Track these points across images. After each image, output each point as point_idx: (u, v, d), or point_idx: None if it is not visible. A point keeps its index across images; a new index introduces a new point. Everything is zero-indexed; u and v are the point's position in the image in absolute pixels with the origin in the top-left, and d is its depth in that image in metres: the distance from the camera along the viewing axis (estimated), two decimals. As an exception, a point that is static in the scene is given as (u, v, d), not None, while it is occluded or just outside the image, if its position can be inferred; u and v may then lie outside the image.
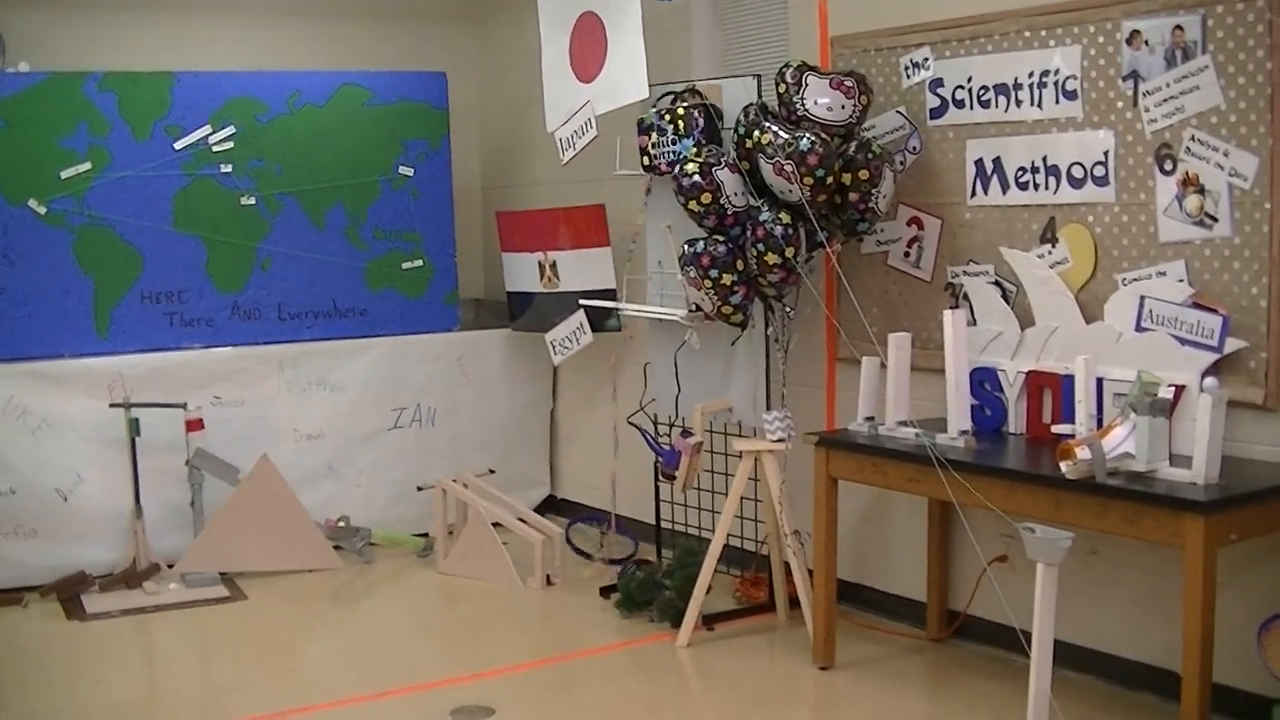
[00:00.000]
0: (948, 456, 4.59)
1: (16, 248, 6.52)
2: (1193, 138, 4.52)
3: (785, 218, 5.26)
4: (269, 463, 6.68)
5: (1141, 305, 4.66)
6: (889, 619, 5.83)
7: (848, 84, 5.28)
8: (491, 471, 7.30)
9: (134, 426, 6.50)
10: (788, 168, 5.10)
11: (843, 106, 5.25)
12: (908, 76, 5.50)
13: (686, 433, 5.92)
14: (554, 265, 7.14)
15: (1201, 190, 4.51)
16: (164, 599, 6.33)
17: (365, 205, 7.29)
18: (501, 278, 7.69)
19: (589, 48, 6.05)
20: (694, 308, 5.72)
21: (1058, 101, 4.95)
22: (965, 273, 5.35)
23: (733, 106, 5.61)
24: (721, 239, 5.47)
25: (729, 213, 5.41)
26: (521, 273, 7.42)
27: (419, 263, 7.46)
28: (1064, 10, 4.88)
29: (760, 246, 5.30)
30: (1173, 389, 4.43)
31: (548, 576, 6.54)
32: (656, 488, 6.37)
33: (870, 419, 5.18)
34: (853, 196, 5.29)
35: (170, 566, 6.58)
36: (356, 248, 7.29)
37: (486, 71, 8.49)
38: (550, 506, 7.84)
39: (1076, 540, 3.90)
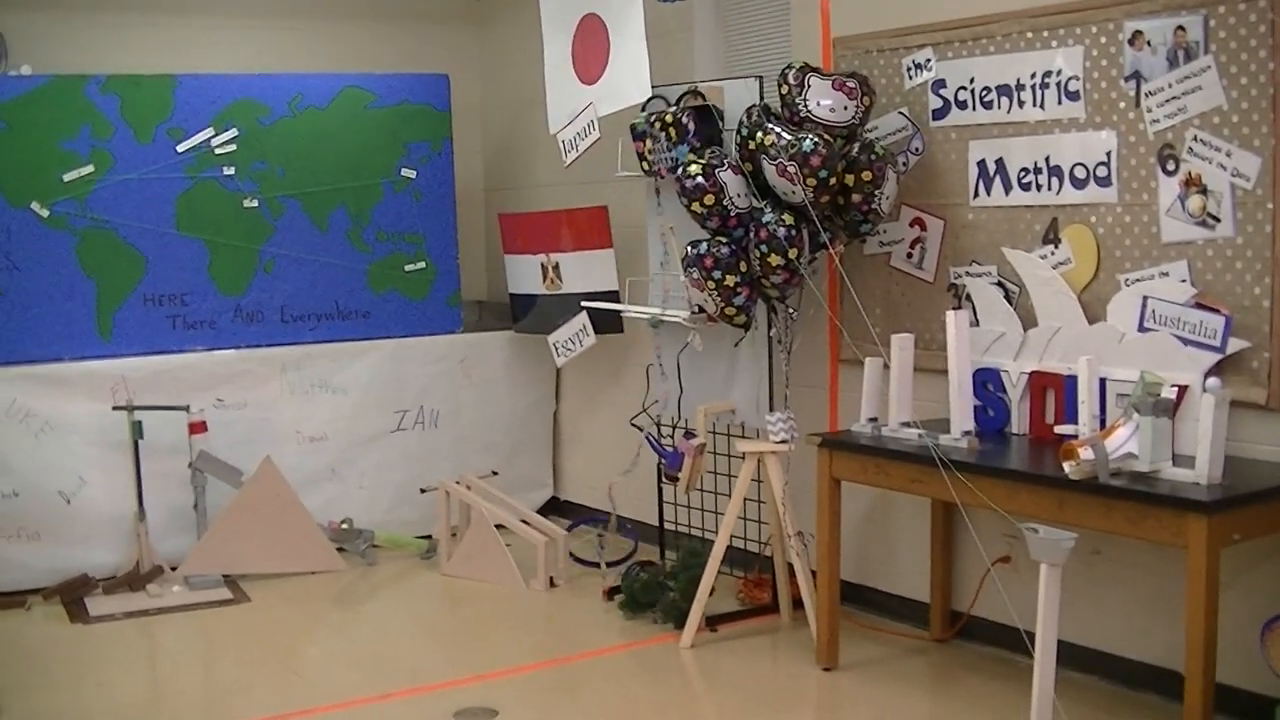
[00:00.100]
0: (951, 457, 4.59)
1: (19, 251, 6.53)
2: (1195, 138, 4.52)
3: (788, 219, 5.27)
4: (272, 465, 6.69)
5: (1144, 306, 4.66)
6: (892, 620, 5.83)
7: (850, 85, 5.28)
8: (494, 473, 7.30)
9: (137, 429, 6.51)
10: (791, 169, 5.10)
11: (845, 108, 5.25)
12: (910, 77, 5.50)
13: (689, 434, 5.92)
14: (556, 267, 7.15)
15: (1204, 190, 4.51)
16: (167, 601, 6.33)
17: (368, 207, 7.30)
18: (504, 279, 7.69)
19: (591, 50, 6.05)
20: (697, 309, 5.72)
21: (1060, 102, 4.95)
22: (968, 273, 5.35)
23: (735, 108, 5.62)
24: (725, 240, 5.47)
25: (732, 214, 5.41)
26: (524, 275, 7.42)
27: (421, 265, 7.46)
28: (1066, 11, 4.88)
29: (763, 248, 5.30)
30: (1175, 389, 4.43)
31: (551, 578, 6.55)
32: (660, 489, 6.37)
33: (873, 420, 5.18)
34: (855, 198, 5.29)
35: (173, 569, 6.59)
36: (359, 250, 7.29)
37: (488, 73, 8.50)
38: (553, 508, 7.84)
39: (1079, 541, 3.90)
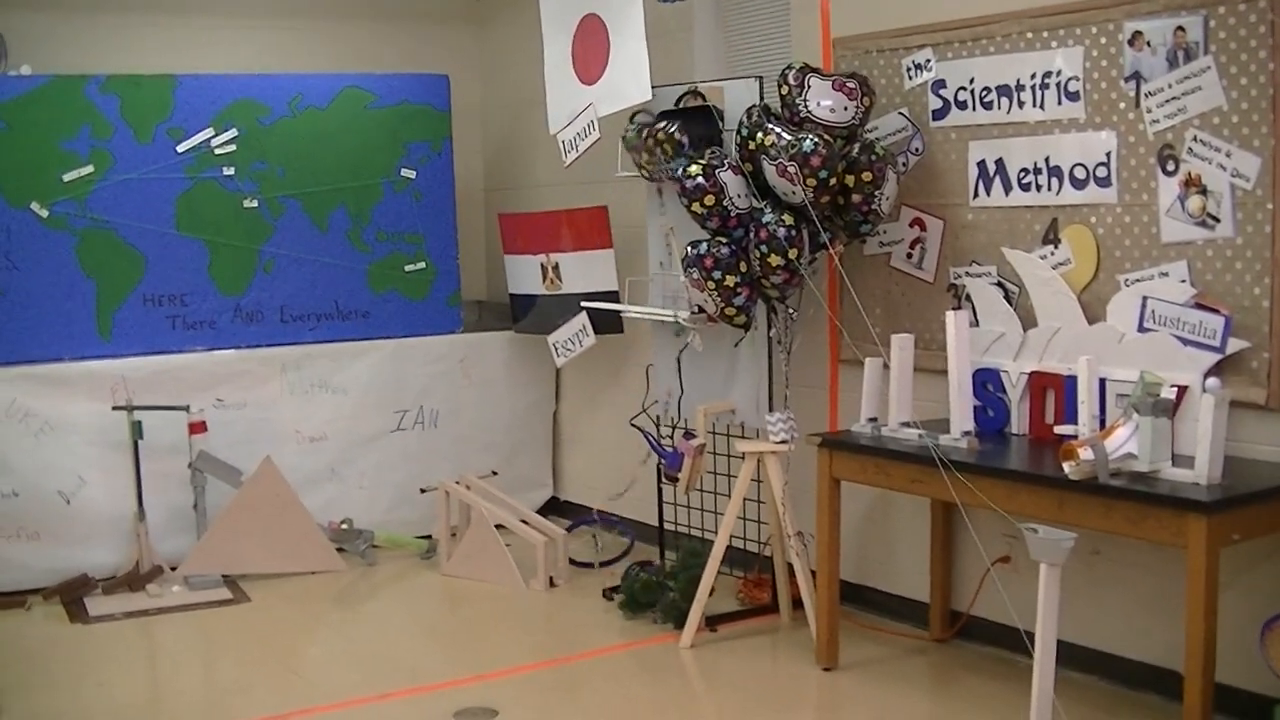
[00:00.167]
0: (950, 457, 4.59)
1: (19, 251, 6.53)
2: (1195, 138, 4.52)
3: (788, 219, 5.27)
4: (272, 465, 6.69)
5: (1144, 306, 4.66)
6: (892, 620, 5.83)
7: (850, 85, 5.28)
8: (494, 473, 7.30)
9: (136, 429, 6.51)
10: (791, 169, 5.10)
11: (845, 108, 5.26)
12: (910, 78, 5.50)
13: (689, 434, 5.92)
14: (556, 267, 7.15)
15: (1204, 191, 4.51)
16: (167, 601, 6.33)
17: (368, 207, 7.30)
18: (504, 280, 7.69)
19: (591, 50, 6.05)
20: (697, 309, 5.73)
21: (1060, 102, 4.95)
22: (968, 274, 5.36)
23: (735, 108, 5.62)
24: (725, 241, 5.47)
25: (732, 214, 5.41)
26: (524, 275, 7.42)
27: (421, 265, 7.46)
28: (1066, 11, 4.89)
29: (763, 248, 5.30)
30: (1175, 389, 4.43)
31: (551, 578, 6.55)
32: (659, 489, 6.37)
33: (873, 420, 5.18)
34: (856, 198, 5.29)
35: (173, 569, 6.59)
36: (359, 250, 7.29)
37: (488, 73, 8.50)
38: (553, 508, 7.84)
39: (1079, 541, 3.90)
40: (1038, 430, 4.97)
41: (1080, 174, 4.91)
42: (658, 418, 6.32)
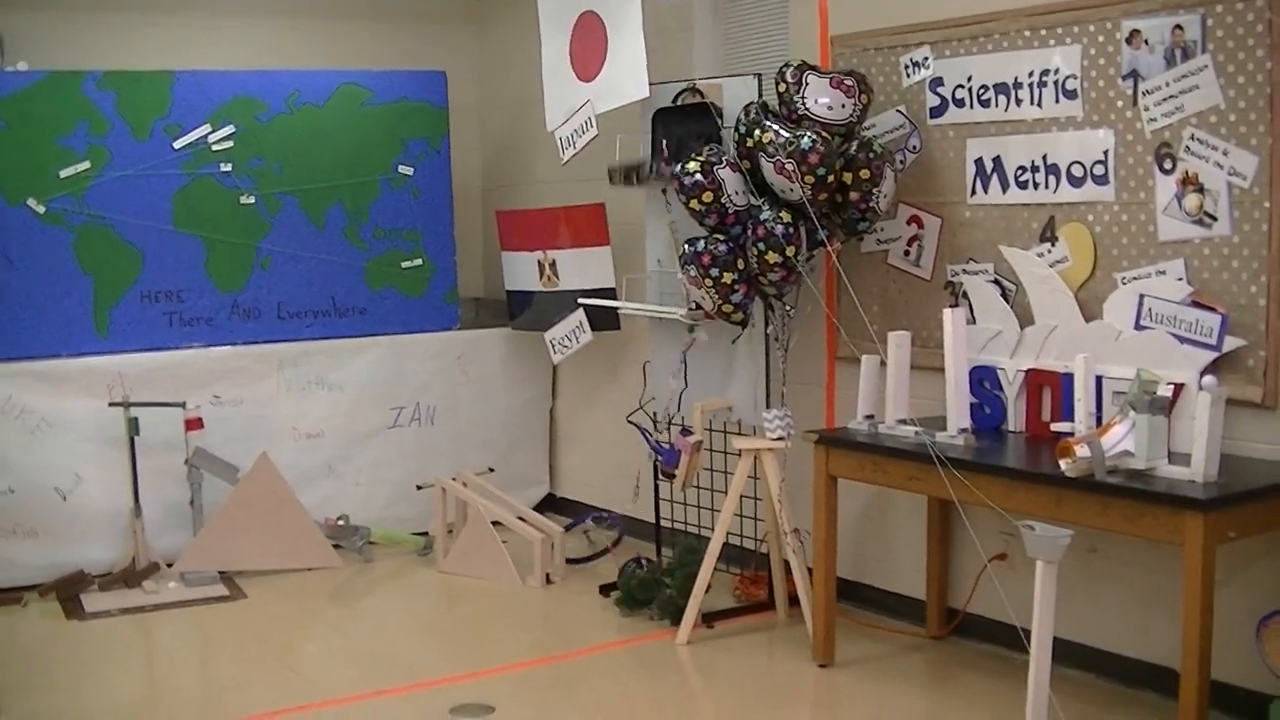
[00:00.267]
0: (947, 455, 4.60)
1: (16, 247, 6.52)
2: (1192, 137, 4.53)
3: (786, 217, 5.27)
4: (268, 462, 6.69)
5: (1141, 304, 4.67)
6: (889, 617, 5.84)
7: (848, 83, 5.29)
8: (491, 470, 7.30)
9: (133, 426, 6.50)
10: (789, 166, 5.11)
11: (843, 105, 5.26)
12: (908, 75, 5.51)
13: (686, 431, 5.92)
14: (553, 264, 7.15)
15: (1201, 189, 4.52)
16: (163, 598, 6.33)
17: (365, 204, 7.30)
18: (501, 277, 7.69)
19: (589, 47, 6.05)
20: (694, 306, 5.73)
21: (1057, 100, 4.96)
22: (965, 271, 5.36)
23: (733, 105, 5.62)
24: (722, 238, 5.47)
25: (730, 211, 5.42)
26: (521, 272, 7.42)
27: (419, 262, 7.46)
28: (1064, 9, 4.89)
29: (761, 245, 5.31)
30: (1171, 387, 4.44)
31: (547, 575, 6.55)
32: (656, 486, 6.37)
33: (870, 417, 5.19)
34: (853, 195, 5.29)
35: (169, 565, 6.58)
36: (356, 247, 7.29)
37: (487, 71, 8.50)
38: (550, 505, 7.84)
39: (1076, 538, 3.90)
40: (1034, 428, 4.98)
41: (1078, 172, 4.91)
42: (655, 414, 6.32)
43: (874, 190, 5.28)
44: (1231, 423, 4.27)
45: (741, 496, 5.75)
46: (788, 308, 5.65)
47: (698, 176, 5.38)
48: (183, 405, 6.63)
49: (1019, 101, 5.10)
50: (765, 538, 5.98)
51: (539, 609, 6.27)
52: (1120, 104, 4.75)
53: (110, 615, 6.11)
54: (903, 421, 5.06)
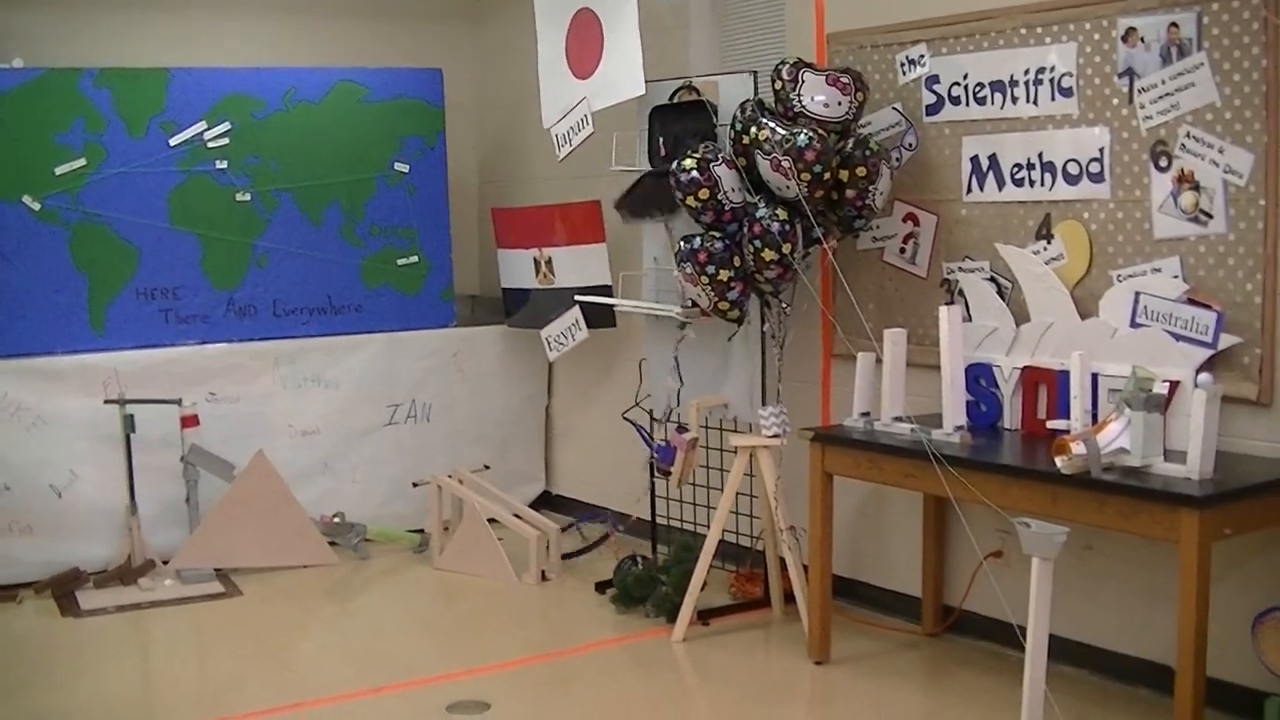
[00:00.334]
0: (943, 452, 4.60)
1: (11, 244, 6.51)
2: (1188, 134, 4.53)
3: (782, 214, 5.27)
4: (264, 459, 6.68)
5: (1136, 301, 4.67)
6: (884, 614, 5.84)
7: (844, 81, 5.29)
8: (487, 467, 7.31)
9: (129, 423, 6.50)
10: (785, 164, 5.10)
11: (839, 103, 5.27)
12: (904, 73, 5.51)
13: (682, 428, 5.92)
14: (549, 262, 7.15)
15: (1196, 187, 4.52)
16: (159, 595, 6.33)
17: (361, 202, 7.29)
18: (497, 274, 7.69)
19: (585, 44, 6.05)
20: (690, 303, 5.73)
21: (1053, 98, 4.96)
22: (961, 269, 5.36)
23: (729, 103, 5.62)
24: (719, 235, 5.47)
25: (726, 208, 5.41)
26: (517, 269, 7.42)
27: (415, 259, 7.46)
28: (1060, 7, 4.89)
29: (757, 243, 5.31)
30: (1167, 384, 4.44)
31: (543, 572, 6.55)
32: (652, 484, 6.37)
33: (866, 414, 5.19)
34: (850, 193, 5.30)
35: (165, 563, 6.58)
36: (352, 244, 7.29)
37: (483, 69, 8.49)
38: (545, 502, 7.84)
39: (1072, 535, 3.90)
40: (1030, 425, 4.98)
41: (1073, 170, 4.92)
42: (651, 412, 6.33)
43: (870, 188, 5.29)
44: (1227, 420, 4.28)
45: (737, 494, 5.75)
46: (784, 305, 5.65)
47: (694, 173, 5.38)
48: (178, 402, 6.62)
49: (1015, 99, 5.10)
50: (761, 535, 5.98)
51: (535, 606, 6.27)
52: (1116, 102, 4.76)
53: (106, 613, 6.11)
54: (898, 419, 5.06)
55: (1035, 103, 5.03)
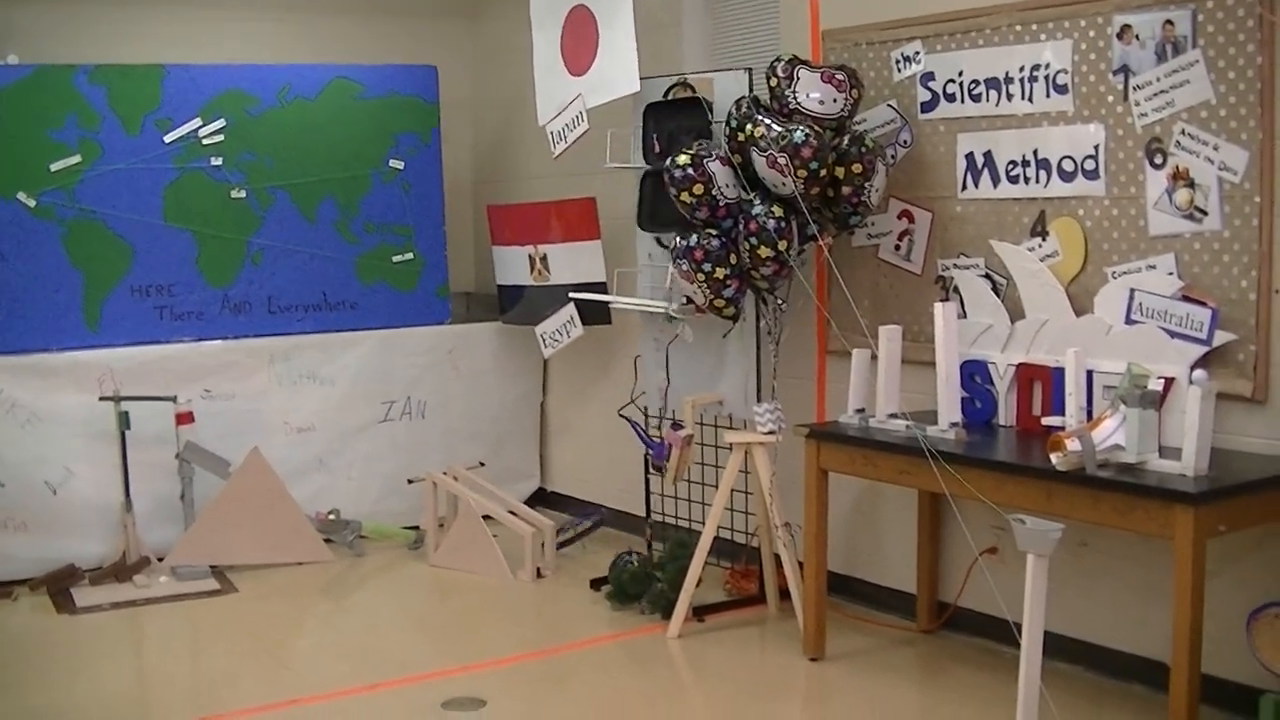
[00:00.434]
0: (938, 448, 4.61)
1: (6, 241, 6.51)
2: (1183, 132, 4.54)
3: (778, 211, 5.28)
4: (259, 456, 6.68)
5: (1131, 298, 4.68)
6: (879, 611, 5.85)
7: (839, 77, 5.29)
8: (482, 464, 7.31)
9: (124, 420, 6.49)
10: (781, 161, 5.11)
11: (834, 100, 5.27)
12: (899, 70, 5.51)
13: (677, 425, 5.92)
14: (544, 258, 7.15)
15: (1191, 184, 4.53)
16: (154, 592, 6.33)
17: (356, 198, 7.29)
18: (492, 271, 7.69)
19: (581, 41, 6.05)
20: (684, 300, 5.73)
21: (1048, 95, 4.96)
22: (956, 266, 5.37)
23: (724, 100, 5.62)
24: (715, 233, 5.47)
25: (721, 204, 5.42)
26: (512, 266, 7.42)
27: (410, 256, 7.46)
28: (1055, 4, 4.89)
29: (753, 240, 5.31)
30: (1162, 381, 4.45)
31: (538, 569, 6.56)
32: (647, 480, 6.37)
33: (861, 411, 5.19)
34: (845, 190, 5.30)
35: (160, 560, 6.57)
36: (347, 241, 7.29)
37: (479, 66, 8.49)
38: (540, 499, 7.84)
39: (1067, 532, 3.91)
40: (1025, 422, 4.98)
41: (1068, 167, 4.92)
42: (646, 408, 6.33)
43: (866, 185, 5.29)
44: (1222, 417, 4.28)
45: (732, 490, 5.75)
46: (779, 302, 5.66)
47: (688, 169, 5.38)
48: (174, 399, 6.62)
49: (1010, 96, 5.10)
50: (756, 532, 5.98)
51: (530, 603, 6.27)
52: (1111, 99, 4.76)
53: (101, 609, 6.10)
54: (894, 415, 5.06)
55: (1030, 100, 5.03)
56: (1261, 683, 4.33)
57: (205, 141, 6.90)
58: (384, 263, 7.39)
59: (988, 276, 5.24)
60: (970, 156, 5.27)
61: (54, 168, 6.59)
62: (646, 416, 6.31)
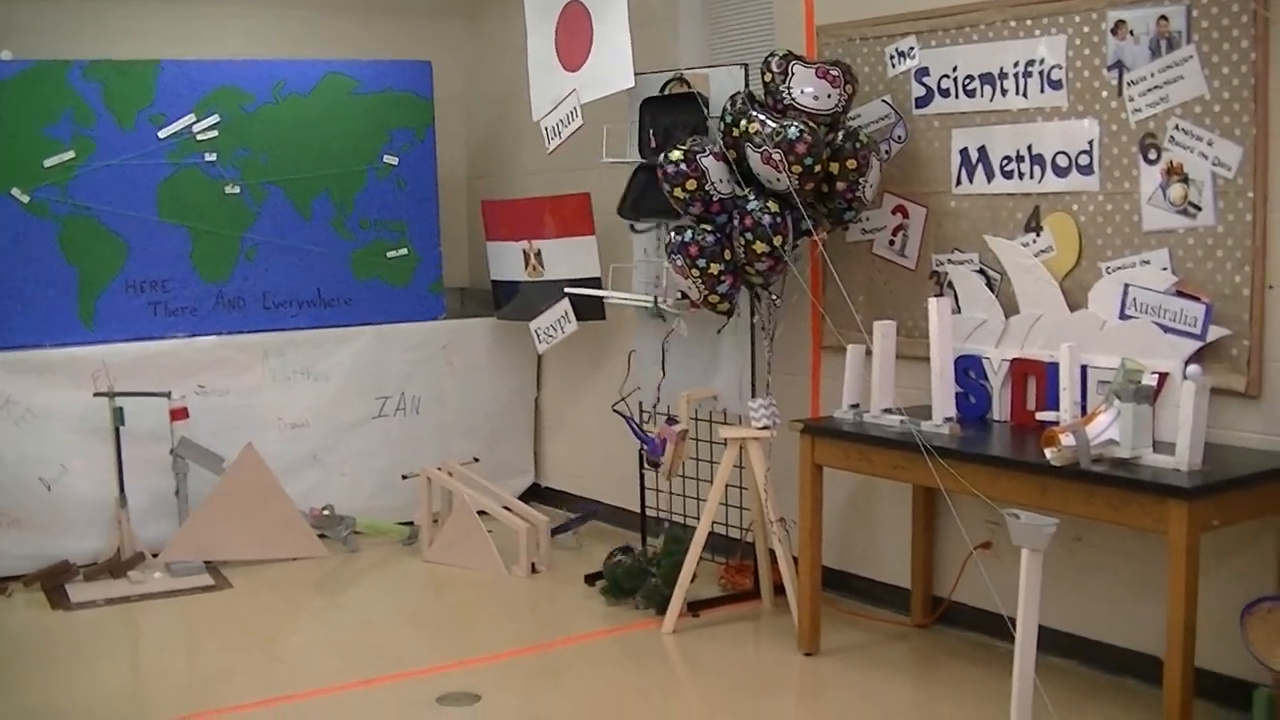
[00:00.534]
0: (933, 443, 4.61)
1: (0, 237, 6.50)
2: (1177, 127, 4.54)
3: (773, 206, 5.28)
4: (254, 452, 6.68)
5: (1125, 293, 4.68)
6: (874, 606, 5.85)
7: (834, 73, 5.29)
8: (476, 460, 7.30)
9: (118, 415, 6.49)
10: (776, 156, 5.11)
11: (829, 95, 5.27)
12: (893, 65, 5.51)
13: (671, 420, 5.93)
14: (539, 254, 7.15)
15: (1185, 179, 4.53)
16: (149, 588, 6.32)
17: (351, 194, 7.29)
18: (486, 266, 7.69)
19: (575, 37, 6.05)
20: (679, 295, 5.73)
21: (1043, 91, 4.97)
22: (950, 261, 5.37)
23: (719, 95, 5.62)
24: (709, 228, 5.48)
25: (714, 199, 5.42)
26: (506, 261, 7.42)
27: (404, 251, 7.45)
28: (1049, 0, 4.90)
29: (749, 235, 5.31)
30: (1156, 376, 4.46)
31: (533, 564, 6.56)
32: (642, 475, 6.38)
33: (855, 406, 5.20)
34: (840, 185, 5.30)
35: (155, 556, 6.57)
36: (342, 237, 7.28)
37: (474, 62, 8.48)
38: (535, 495, 7.85)
39: (1061, 526, 3.91)
40: (1019, 417, 4.99)
41: (1062, 162, 4.93)
42: (640, 403, 6.33)
43: (860, 180, 5.30)
44: (1216, 411, 4.29)
45: (727, 486, 5.76)
46: (774, 297, 5.66)
47: (681, 165, 5.38)
48: (168, 395, 6.61)
49: (1004, 92, 5.11)
50: (751, 527, 5.99)
51: (524, 598, 6.28)
52: (1105, 94, 4.77)
53: (95, 605, 6.10)
54: (888, 410, 5.07)
55: (1025, 95, 5.03)
56: (1255, 676, 4.34)
57: (200, 137, 6.89)
58: (378, 258, 7.38)
59: (982, 272, 5.25)
60: (964, 152, 5.27)
61: (48, 163, 6.57)
62: (641, 411, 6.31)
